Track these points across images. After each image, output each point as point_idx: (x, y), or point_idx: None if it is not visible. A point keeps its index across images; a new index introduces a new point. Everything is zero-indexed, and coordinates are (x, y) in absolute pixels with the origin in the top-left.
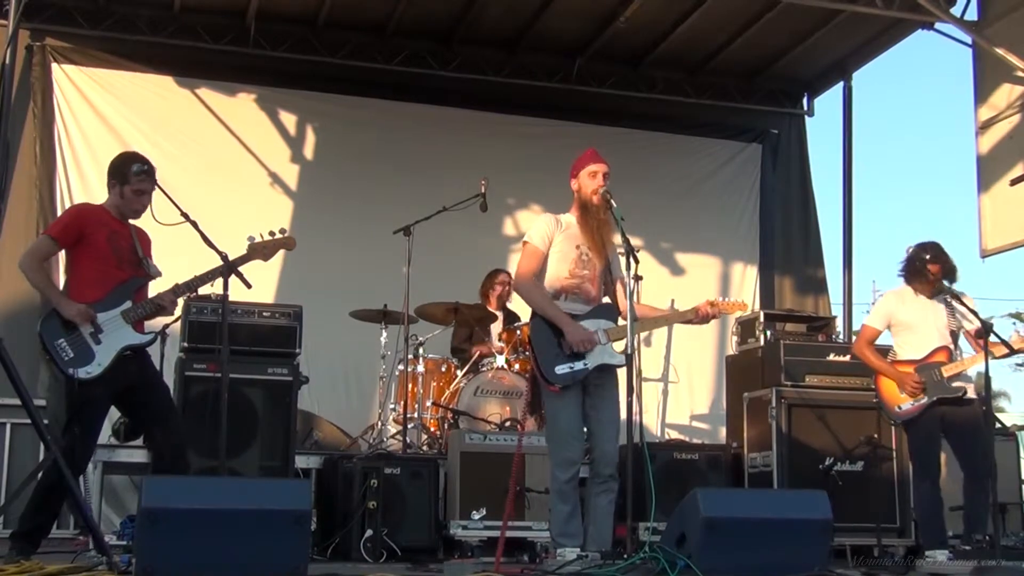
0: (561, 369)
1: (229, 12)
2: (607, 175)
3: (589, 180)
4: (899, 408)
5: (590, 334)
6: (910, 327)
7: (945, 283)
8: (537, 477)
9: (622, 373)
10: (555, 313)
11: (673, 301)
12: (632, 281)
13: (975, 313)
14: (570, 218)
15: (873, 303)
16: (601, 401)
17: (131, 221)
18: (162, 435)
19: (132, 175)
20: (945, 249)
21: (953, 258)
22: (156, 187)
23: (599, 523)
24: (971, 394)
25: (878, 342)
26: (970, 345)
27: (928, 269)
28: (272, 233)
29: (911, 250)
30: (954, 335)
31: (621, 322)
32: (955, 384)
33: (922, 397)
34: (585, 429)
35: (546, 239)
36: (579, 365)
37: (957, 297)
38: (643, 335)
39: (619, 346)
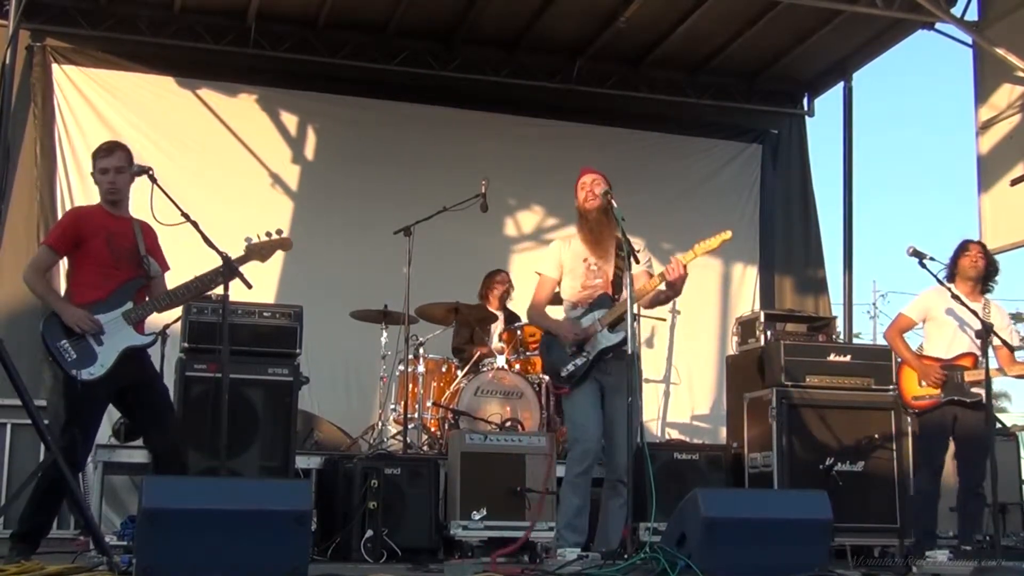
0: (566, 370)
1: (229, 12)
2: (597, 181)
3: (580, 192)
4: (914, 399)
5: (577, 328)
6: (944, 324)
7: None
8: (537, 477)
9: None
10: (550, 323)
11: (675, 302)
12: (639, 275)
13: (975, 313)
14: (575, 234)
15: (874, 303)
16: (615, 407)
17: (136, 216)
18: (158, 435)
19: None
20: (986, 247)
21: (994, 258)
22: (157, 186)
23: (607, 524)
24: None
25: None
26: (997, 360)
27: (974, 263)
28: (269, 234)
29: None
30: (984, 345)
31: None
32: (973, 390)
33: (938, 392)
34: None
35: (555, 266)
36: (580, 360)
37: (960, 300)
38: (644, 337)
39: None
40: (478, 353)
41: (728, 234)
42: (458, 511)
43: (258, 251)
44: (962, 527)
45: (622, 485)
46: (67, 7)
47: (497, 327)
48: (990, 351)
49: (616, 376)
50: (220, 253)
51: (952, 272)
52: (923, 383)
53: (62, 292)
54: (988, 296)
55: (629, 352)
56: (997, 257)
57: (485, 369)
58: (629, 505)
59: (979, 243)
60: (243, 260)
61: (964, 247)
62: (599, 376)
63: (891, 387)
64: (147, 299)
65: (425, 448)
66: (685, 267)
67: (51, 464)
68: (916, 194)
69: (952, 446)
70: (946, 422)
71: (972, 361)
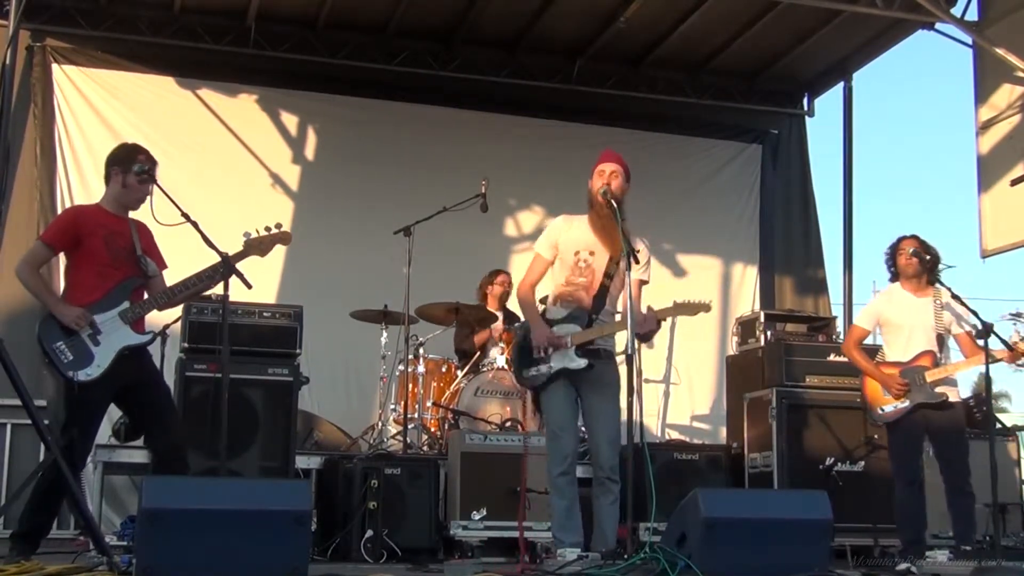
0: (528, 372)
1: (229, 13)
2: (615, 173)
3: (596, 179)
4: (881, 410)
5: (550, 335)
6: (898, 328)
7: (940, 283)
8: (537, 477)
9: (620, 371)
10: (530, 316)
11: (674, 302)
12: (632, 283)
13: (975, 313)
14: (582, 219)
15: None
16: (595, 403)
17: (131, 215)
18: (160, 434)
19: (136, 165)
20: (922, 239)
21: (932, 246)
22: (156, 186)
23: (600, 524)
24: (954, 398)
25: (868, 342)
26: (959, 348)
27: (910, 261)
28: (268, 228)
29: (888, 248)
30: (941, 338)
31: (600, 322)
32: (937, 390)
33: (905, 401)
34: (583, 428)
35: (550, 246)
36: (544, 368)
37: (958, 299)
38: None
39: (619, 344)
40: (480, 347)
41: (708, 304)
42: (458, 511)
43: (257, 246)
44: (956, 527)
45: (610, 482)
46: (67, 7)
47: (497, 327)
48: (952, 342)
49: (596, 372)
50: (220, 253)
51: (894, 273)
52: (887, 394)
53: (60, 292)
54: (938, 285)
55: (629, 352)
56: (997, 257)
57: (485, 369)
58: (629, 502)
59: (912, 237)
60: (242, 255)
61: (898, 246)
62: (571, 376)
63: None
64: (146, 297)
65: (425, 448)
66: (659, 322)
67: (51, 464)
68: (916, 194)
69: (930, 449)
70: (918, 429)
71: (931, 360)
